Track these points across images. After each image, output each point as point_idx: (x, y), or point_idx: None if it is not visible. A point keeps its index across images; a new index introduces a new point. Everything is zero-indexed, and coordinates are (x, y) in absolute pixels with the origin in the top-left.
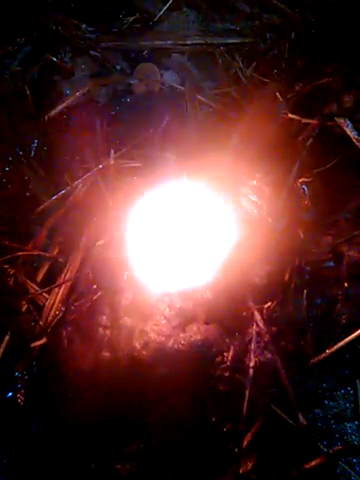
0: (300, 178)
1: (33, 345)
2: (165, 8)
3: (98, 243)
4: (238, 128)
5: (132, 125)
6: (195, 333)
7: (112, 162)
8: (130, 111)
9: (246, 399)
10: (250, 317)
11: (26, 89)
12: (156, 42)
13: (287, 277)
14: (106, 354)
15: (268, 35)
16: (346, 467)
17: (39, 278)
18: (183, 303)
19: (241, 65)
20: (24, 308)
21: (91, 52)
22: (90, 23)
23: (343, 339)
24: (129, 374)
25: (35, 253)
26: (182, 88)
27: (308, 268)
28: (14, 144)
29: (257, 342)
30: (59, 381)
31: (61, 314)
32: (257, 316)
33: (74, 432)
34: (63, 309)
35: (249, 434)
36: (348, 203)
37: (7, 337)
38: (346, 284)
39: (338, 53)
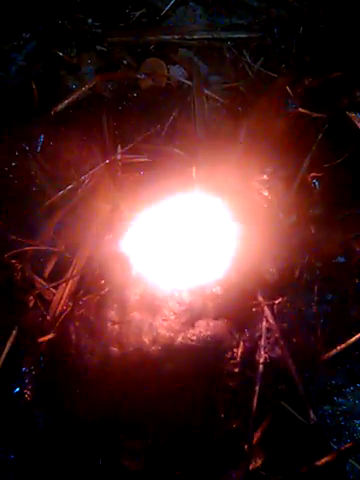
0: (311, 173)
1: (40, 340)
2: (172, 2)
3: (106, 238)
4: (247, 123)
5: (139, 120)
6: (205, 329)
7: (119, 157)
8: (137, 106)
9: (256, 395)
10: (260, 313)
11: (32, 84)
12: (163, 37)
13: (297, 273)
14: (114, 349)
15: (276, 30)
16: (356, 464)
17: (46, 273)
18: (193, 298)
19: (249, 60)
20: (31, 303)
21: (97, 47)
22: (96, 17)
23: (354, 336)
24: (138, 370)
25: (42, 248)
26: (189, 83)
27: (319, 264)
28: (20, 139)
29: (267, 338)
30: (66, 376)
31: (69, 309)
32: (267, 312)
33: (81, 428)
34: (71, 304)
35: (259, 431)
36: (359, 198)
37: (14, 332)
38: (357, 280)
39: (348, 47)
